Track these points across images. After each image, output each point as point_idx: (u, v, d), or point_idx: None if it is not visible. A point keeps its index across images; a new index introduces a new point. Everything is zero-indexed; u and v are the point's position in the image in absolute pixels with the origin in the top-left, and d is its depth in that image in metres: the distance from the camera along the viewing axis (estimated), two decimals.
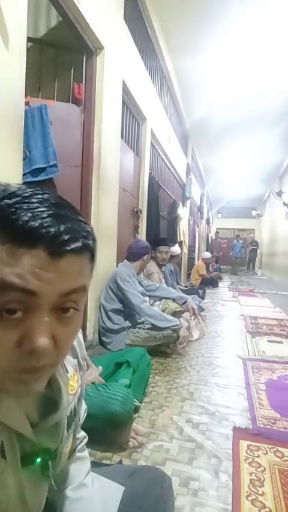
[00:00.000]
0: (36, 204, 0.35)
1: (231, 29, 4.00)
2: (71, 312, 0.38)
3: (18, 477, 0.43)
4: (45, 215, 0.34)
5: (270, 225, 12.27)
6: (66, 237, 0.35)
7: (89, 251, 0.39)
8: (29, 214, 0.33)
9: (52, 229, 0.34)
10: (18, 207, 0.34)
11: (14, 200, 0.34)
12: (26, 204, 0.34)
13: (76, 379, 0.56)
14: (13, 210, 0.33)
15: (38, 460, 0.44)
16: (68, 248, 0.35)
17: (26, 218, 0.33)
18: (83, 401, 0.67)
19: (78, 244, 0.36)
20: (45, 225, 0.34)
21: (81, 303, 0.39)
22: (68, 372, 0.53)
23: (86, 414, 0.68)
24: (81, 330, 0.61)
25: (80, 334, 0.60)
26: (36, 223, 0.33)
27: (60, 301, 0.36)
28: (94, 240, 0.40)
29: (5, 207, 0.33)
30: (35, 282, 0.34)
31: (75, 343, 0.58)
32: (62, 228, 0.35)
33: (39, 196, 0.36)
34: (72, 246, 0.35)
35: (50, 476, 0.48)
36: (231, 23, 3.90)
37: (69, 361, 0.55)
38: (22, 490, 0.44)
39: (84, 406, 0.68)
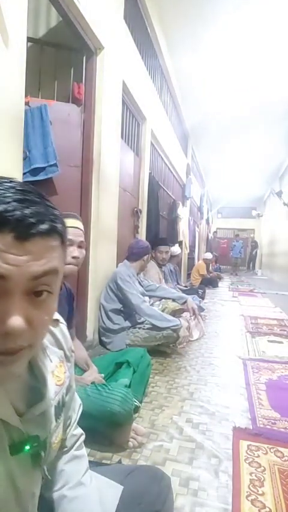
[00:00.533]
0: (2, 191, 0.35)
1: (231, 29, 4.00)
2: (45, 295, 0.39)
3: (7, 465, 0.43)
4: (10, 200, 0.35)
5: (270, 225, 12.27)
6: (32, 220, 0.35)
7: (58, 234, 0.39)
8: None
9: (17, 213, 0.35)
10: None
11: None
12: None
13: (63, 370, 0.57)
14: None
15: (27, 447, 0.45)
16: (34, 231, 0.36)
17: None
18: (76, 396, 0.67)
19: (46, 226, 0.37)
20: (10, 209, 0.34)
21: (54, 286, 0.40)
22: (51, 361, 0.54)
23: (81, 409, 0.69)
24: (65, 323, 0.62)
25: (64, 327, 0.61)
26: (0, 208, 0.34)
27: (32, 285, 0.37)
28: (63, 223, 0.41)
29: None
30: (3, 266, 0.34)
31: (59, 335, 0.58)
32: (27, 211, 0.35)
33: (6, 184, 0.37)
34: (39, 229, 0.36)
35: (42, 466, 0.49)
36: (231, 23, 3.90)
37: (54, 352, 0.56)
38: (13, 479, 0.44)
39: (78, 401, 0.68)
